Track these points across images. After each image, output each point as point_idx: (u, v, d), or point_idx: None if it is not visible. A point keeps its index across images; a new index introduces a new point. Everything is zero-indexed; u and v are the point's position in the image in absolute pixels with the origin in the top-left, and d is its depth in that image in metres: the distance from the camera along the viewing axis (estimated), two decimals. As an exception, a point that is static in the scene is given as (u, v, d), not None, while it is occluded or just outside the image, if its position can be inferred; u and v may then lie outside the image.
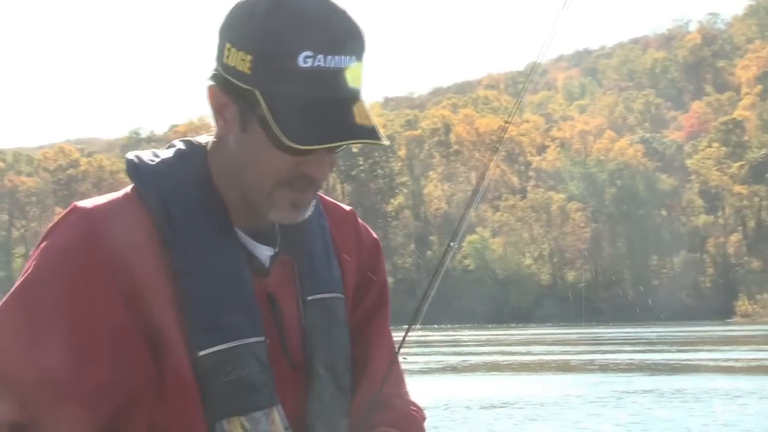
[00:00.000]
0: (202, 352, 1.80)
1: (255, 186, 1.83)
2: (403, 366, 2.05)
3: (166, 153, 1.93)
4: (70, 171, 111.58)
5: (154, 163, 1.90)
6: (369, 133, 1.77)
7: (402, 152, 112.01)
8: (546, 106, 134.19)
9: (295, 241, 1.93)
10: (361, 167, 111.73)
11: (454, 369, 29.67)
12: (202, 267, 1.83)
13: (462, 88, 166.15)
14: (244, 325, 1.84)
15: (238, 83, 1.78)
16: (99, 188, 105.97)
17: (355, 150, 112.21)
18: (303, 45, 1.74)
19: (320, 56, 1.74)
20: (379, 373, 1.98)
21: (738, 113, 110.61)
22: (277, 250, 1.91)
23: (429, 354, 36.72)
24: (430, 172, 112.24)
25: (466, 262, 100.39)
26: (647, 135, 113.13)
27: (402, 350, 2.05)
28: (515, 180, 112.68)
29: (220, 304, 1.83)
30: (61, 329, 1.78)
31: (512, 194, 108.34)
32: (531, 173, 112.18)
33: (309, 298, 1.93)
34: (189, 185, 1.88)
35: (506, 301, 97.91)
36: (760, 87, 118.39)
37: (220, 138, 1.87)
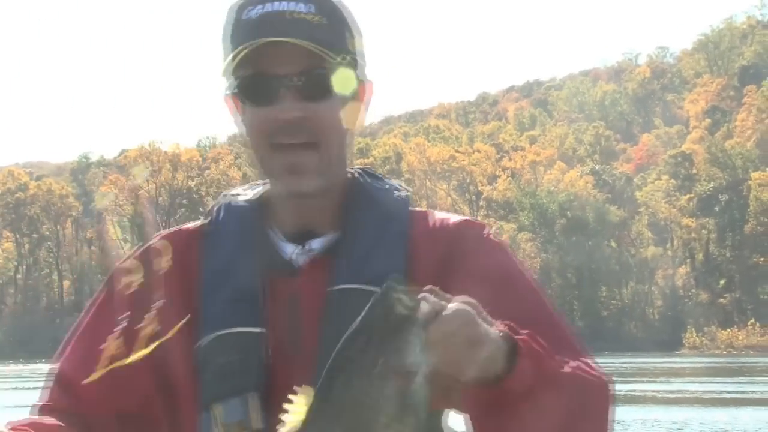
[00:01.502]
0: (199, 343, 1.93)
1: (259, 161, 1.97)
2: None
3: (254, 184, 2.15)
4: (19, 194, 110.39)
5: (232, 192, 2.13)
6: (296, 36, 1.89)
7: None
8: (497, 136, 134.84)
9: (346, 243, 1.98)
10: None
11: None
12: (218, 270, 1.97)
13: (413, 117, 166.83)
14: (238, 315, 1.91)
15: (224, 71, 1.99)
16: (48, 212, 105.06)
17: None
18: (247, 3, 1.98)
19: (260, 6, 1.94)
20: None
21: (687, 146, 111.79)
22: (304, 247, 1.98)
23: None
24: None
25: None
26: (597, 167, 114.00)
27: None
28: (466, 209, 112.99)
29: (222, 299, 1.94)
30: (81, 331, 2.07)
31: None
32: (482, 203, 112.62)
33: (331, 288, 1.95)
34: (244, 205, 2.06)
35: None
36: (708, 121, 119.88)
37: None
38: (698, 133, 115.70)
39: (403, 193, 2.12)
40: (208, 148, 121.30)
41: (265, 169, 1.97)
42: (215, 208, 2.08)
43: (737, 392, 29.91)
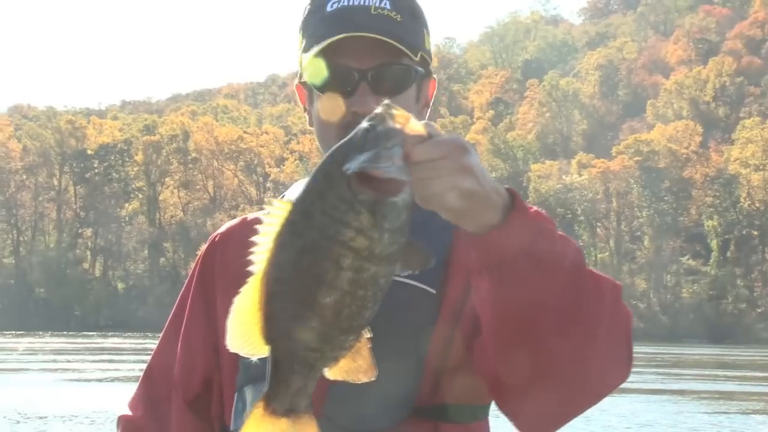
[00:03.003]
0: None
1: (325, 146, 1.98)
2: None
3: None
4: None
5: (299, 183, 2.15)
6: (375, 31, 1.94)
7: (139, 157, 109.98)
8: (285, 118, 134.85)
9: None
10: (96, 170, 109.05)
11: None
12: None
13: (201, 96, 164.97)
14: None
15: (299, 62, 2.07)
16: None
17: (90, 152, 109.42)
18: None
19: (332, 1, 2.00)
20: None
21: (470, 137, 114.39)
22: None
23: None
24: (167, 179, 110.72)
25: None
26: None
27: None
28: (253, 191, 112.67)
29: None
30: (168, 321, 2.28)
31: (250, 205, 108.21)
32: (269, 185, 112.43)
33: None
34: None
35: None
36: (492, 112, 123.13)
37: None
38: (482, 123, 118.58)
39: None
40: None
41: None
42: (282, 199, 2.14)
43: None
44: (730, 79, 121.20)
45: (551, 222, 1.72)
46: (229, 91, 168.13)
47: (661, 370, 36.54)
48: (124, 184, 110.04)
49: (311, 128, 2.07)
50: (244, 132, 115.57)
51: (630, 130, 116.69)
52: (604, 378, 1.83)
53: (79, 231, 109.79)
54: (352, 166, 1.49)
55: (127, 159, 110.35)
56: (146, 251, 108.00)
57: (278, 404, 1.61)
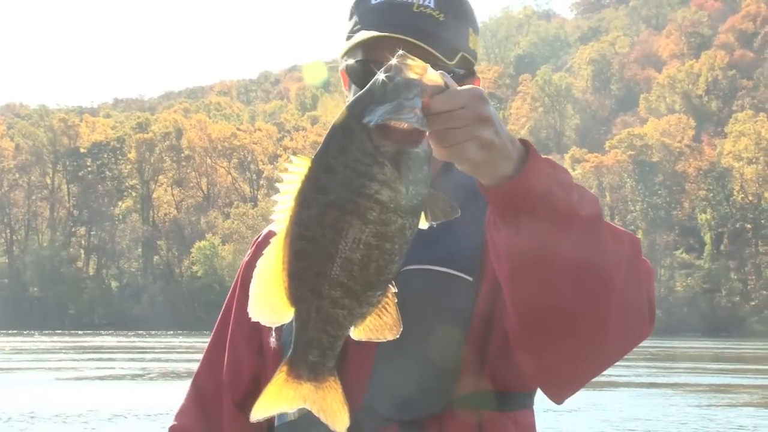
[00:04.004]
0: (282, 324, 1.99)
1: None
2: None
3: None
4: None
5: None
6: (415, 31, 1.93)
7: (132, 155, 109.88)
8: (278, 115, 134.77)
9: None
10: (89, 168, 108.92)
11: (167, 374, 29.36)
12: None
13: (194, 93, 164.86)
14: None
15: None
16: None
17: (83, 150, 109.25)
18: None
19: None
20: None
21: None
22: None
23: (143, 360, 36.12)
24: (160, 177, 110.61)
25: (195, 268, 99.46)
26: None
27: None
28: (246, 188, 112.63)
29: None
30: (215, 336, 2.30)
31: (243, 202, 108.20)
32: (263, 182, 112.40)
33: (405, 268, 1.92)
34: None
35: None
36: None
37: None
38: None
39: None
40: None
41: None
42: None
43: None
44: (723, 72, 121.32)
45: (566, 172, 1.74)
46: (222, 88, 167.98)
47: (654, 364, 36.59)
48: (118, 182, 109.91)
49: None
50: (237, 129, 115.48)
51: (623, 124, 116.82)
52: (625, 332, 1.80)
53: (73, 229, 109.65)
54: (374, 118, 1.49)
55: (120, 157, 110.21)
56: (140, 249, 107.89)
57: (302, 368, 1.60)
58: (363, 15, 2.01)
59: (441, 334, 1.92)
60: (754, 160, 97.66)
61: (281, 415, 1.98)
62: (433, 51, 1.93)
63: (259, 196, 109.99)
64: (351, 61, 2.01)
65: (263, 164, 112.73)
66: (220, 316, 2.28)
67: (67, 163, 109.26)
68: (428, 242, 1.90)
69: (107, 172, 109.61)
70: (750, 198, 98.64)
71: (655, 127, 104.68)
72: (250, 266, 2.09)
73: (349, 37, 2.05)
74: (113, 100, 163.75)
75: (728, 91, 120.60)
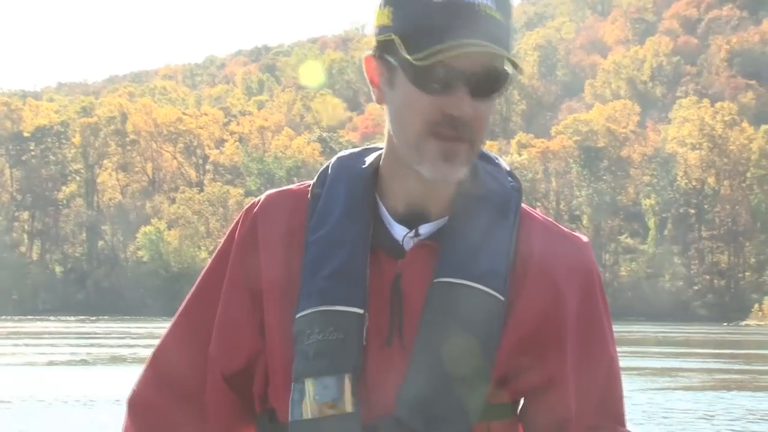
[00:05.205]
0: (299, 314, 1.90)
1: (405, 140, 1.89)
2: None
3: (367, 149, 2.09)
4: None
5: (345, 155, 2.08)
6: (489, 38, 1.84)
7: (76, 139, 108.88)
8: (224, 100, 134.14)
9: (454, 230, 1.93)
10: (32, 152, 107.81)
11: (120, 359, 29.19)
12: (324, 238, 1.93)
13: (139, 77, 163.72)
14: (340, 293, 1.90)
15: (384, 37, 1.88)
16: None
17: (26, 134, 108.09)
18: None
19: None
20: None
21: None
22: (413, 231, 1.92)
23: (95, 346, 35.92)
24: (105, 161, 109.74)
25: (140, 253, 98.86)
26: (324, 134, 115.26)
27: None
28: (192, 173, 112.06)
29: (327, 273, 1.91)
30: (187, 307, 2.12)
31: (189, 187, 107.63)
32: (209, 167, 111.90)
33: (436, 280, 1.90)
34: (356, 172, 2.00)
35: (179, 294, 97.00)
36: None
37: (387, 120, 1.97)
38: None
39: (516, 184, 2.05)
40: None
41: (416, 151, 1.88)
42: (326, 170, 2.06)
43: None
44: (667, 58, 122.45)
45: None
46: (167, 72, 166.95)
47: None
48: (62, 167, 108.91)
49: (379, 106, 1.97)
50: (183, 113, 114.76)
51: (569, 110, 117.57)
52: None
53: (16, 214, 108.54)
54: None
55: (64, 141, 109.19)
56: (84, 234, 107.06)
57: None
58: (425, 14, 1.87)
59: (474, 350, 1.90)
60: (697, 146, 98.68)
61: (295, 411, 1.91)
62: (507, 55, 1.88)
63: (205, 181, 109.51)
64: (424, 63, 1.86)
65: (209, 149, 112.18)
66: (199, 288, 2.12)
67: (10, 147, 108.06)
68: (465, 255, 1.91)
69: (51, 157, 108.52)
70: (694, 183, 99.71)
71: (600, 113, 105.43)
72: (244, 231, 2.03)
73: (397, 28, 1.89)
74: (57, 84, 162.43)
75: (672, 77, 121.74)
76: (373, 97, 1.98)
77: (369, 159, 2.04)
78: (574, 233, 2.06)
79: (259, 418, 2.01)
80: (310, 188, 2.03)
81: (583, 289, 1.98)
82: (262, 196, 2.07)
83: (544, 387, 1.94)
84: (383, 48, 1.90)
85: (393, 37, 1.86)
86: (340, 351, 1.87)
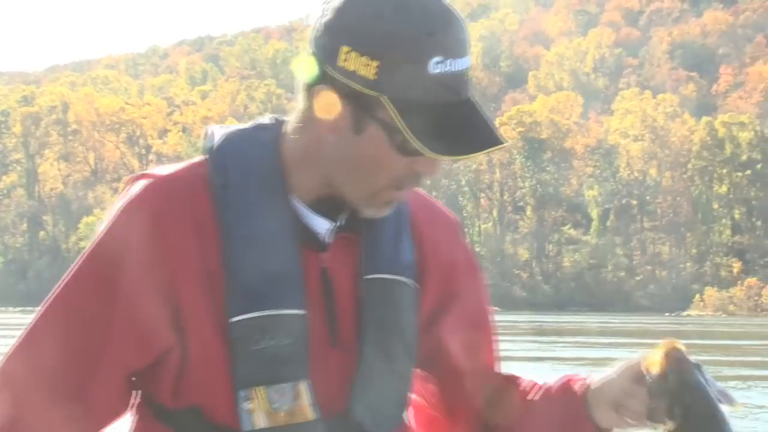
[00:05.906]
0: (234, 319, 1.78)
1: (361, 186, 1.80)
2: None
3: (247, 125, 1.93)
4: None
5: (229, 131, 1.90)
6: (497, 138, 1.81)
7: (17, 129, 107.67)
8: (167, 89, 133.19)
9: (361, 220, 1.86)
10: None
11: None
12: (247, 234, 1.81)
13: (80, 67, 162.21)
14: (282, 295, 1.80)
15: (361, 88, 1.73)
16: None
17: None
18: (433, 50, 1.71)
19: (449, 60, 1.73)
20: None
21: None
22: (336, 224, 1.85)
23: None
24: (47, 151, 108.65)
25: (82, 244, 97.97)
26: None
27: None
28: (135, 163, 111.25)
29: (259, 272, 1.80)
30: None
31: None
32: (152, 157, 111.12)
33: (367, 276, 1.87)
34: (254, 154, 1.86)
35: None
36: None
37: (310, 130, 1.83)
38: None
39: None
40: None
41: (370, 197, 1.81)
42: (219, 154, 1.87)
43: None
44: (609, 50, 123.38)
45: None
46: (110, 61, 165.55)
47: (541, 338, 37.18)
48: (2, 156, 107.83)
49: (326, 135, 1.80)
50: (126, 103, 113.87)
51: (512, 101, 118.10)
52: None
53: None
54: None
55: (4, 131, 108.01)
56: (25, 224, 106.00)
57: None
58: (421, 86, 1.74)
59: (408, 343, 1.90)
60: (639, 137, 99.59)
61: (246, 422, 1.80)
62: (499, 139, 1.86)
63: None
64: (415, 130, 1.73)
65: (152, 139, 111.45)
66: (76, 291, 1.90)
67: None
68: (385, 247, 1.89)
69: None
70: (636, 174, 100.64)
71: (543, 105, 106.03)
72: (143, 236, 1.82)
73: (387, 91, 1.74)
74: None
75: (614, 69, 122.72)
76: (319, 126, 1.80)
77: (266, 142, 1.89)
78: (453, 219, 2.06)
79: (175, 415, 1.85)
80: (204, 174, 1.85)
81: (467, 288, 1.99)
82: (140, 189, 1.85)
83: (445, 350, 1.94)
84: (354, 95, 1.75)
85: (383, 100, 1.73)
86: (289, 356, 1.80)
